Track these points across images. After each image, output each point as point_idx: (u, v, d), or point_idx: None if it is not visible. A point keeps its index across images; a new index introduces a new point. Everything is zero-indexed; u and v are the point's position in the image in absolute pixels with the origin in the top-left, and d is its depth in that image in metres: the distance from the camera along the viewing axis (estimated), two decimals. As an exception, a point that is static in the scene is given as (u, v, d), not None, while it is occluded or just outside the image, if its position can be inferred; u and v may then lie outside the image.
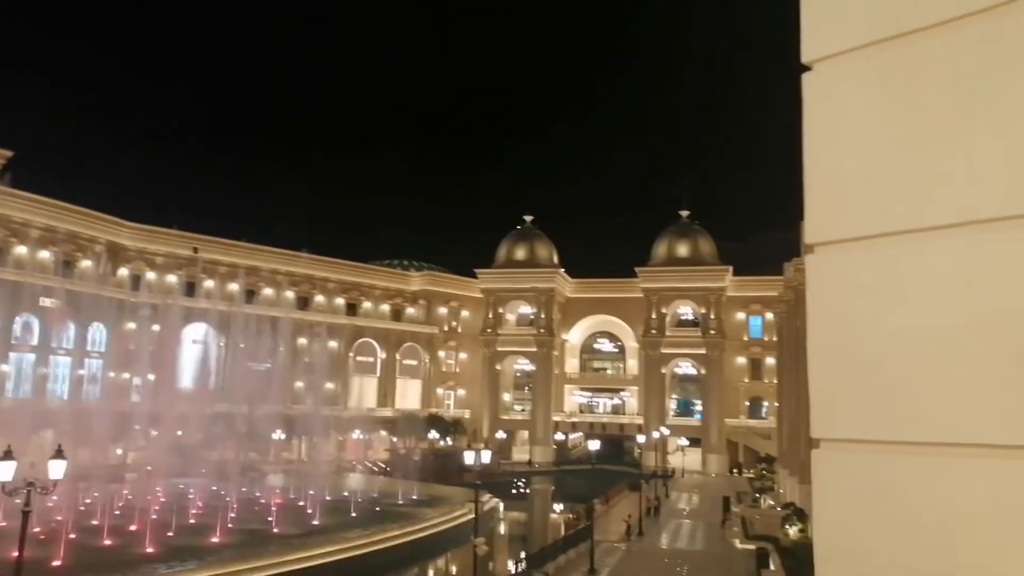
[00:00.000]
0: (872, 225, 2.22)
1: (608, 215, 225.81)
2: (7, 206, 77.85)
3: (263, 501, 56.41)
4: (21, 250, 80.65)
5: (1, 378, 72.37)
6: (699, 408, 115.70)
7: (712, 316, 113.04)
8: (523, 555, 46.88)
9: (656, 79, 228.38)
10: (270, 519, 49.22)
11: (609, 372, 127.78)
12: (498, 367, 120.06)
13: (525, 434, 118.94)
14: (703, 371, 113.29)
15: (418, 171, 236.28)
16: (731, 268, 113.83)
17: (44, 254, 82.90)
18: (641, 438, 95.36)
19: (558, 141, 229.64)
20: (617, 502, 71.13)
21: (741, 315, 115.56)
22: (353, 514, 54.33)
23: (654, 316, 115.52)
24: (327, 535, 46.35)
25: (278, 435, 75.48)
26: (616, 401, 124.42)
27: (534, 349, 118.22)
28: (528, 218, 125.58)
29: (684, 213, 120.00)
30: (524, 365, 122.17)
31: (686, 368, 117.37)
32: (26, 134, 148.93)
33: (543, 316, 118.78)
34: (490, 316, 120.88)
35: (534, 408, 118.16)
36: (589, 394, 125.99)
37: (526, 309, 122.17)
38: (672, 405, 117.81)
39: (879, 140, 2.24)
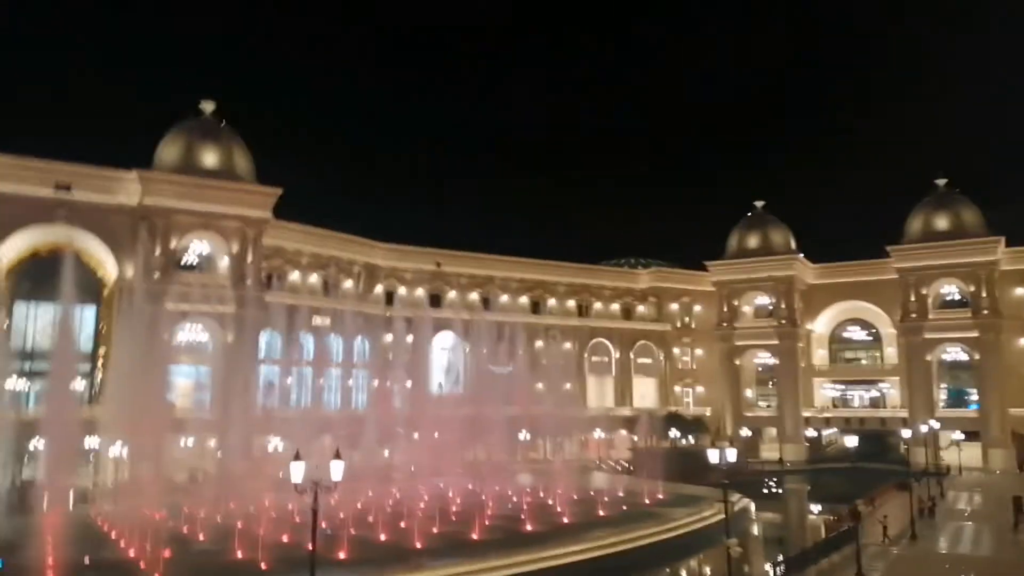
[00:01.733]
0: None
1: (849, 193, 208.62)
2: (281, 237, 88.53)
3: (514, 499, 58.82)
4: (294, 276, 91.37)
5: (286, 391, 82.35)
6: (974, 398, 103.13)
7: (984, 294, 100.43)
8: (781, 558, 44.46)
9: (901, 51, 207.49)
10: (522, 516, 51.18)
11: (864, 362, 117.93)
12: (737, 362, 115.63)
13: (772, 431, 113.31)
14: (977, 356, 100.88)
15: (637, 167, 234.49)
16: (1003, 239, 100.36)
17: (313, 278, 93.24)
18: (906, 432, 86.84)
19: (796, 125, 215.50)
20: (883, 503, 65.28)
21: (1020, 291, 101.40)
22: (601, 512, 54.94)
23: (913, 298, 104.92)
24: (577, 534, 47.30)
25: (523, 435, 78.36)
26: (874, 393, 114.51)
27: (775, 341, 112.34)
28: (759, 204, 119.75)
29: (941, 182, 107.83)
30: (765, 359, 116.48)
31: (955, 354, 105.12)
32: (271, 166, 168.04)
33: (783, 306, 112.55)
34: (725, 309, 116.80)
35: (780, 403, 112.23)
36: (842, 387, 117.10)
37: (764, 300, 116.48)
38: (941, 395, 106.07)
39: None
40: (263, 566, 36.61)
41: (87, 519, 52.36)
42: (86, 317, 75.74)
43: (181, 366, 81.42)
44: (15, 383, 70.24)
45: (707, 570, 48.27)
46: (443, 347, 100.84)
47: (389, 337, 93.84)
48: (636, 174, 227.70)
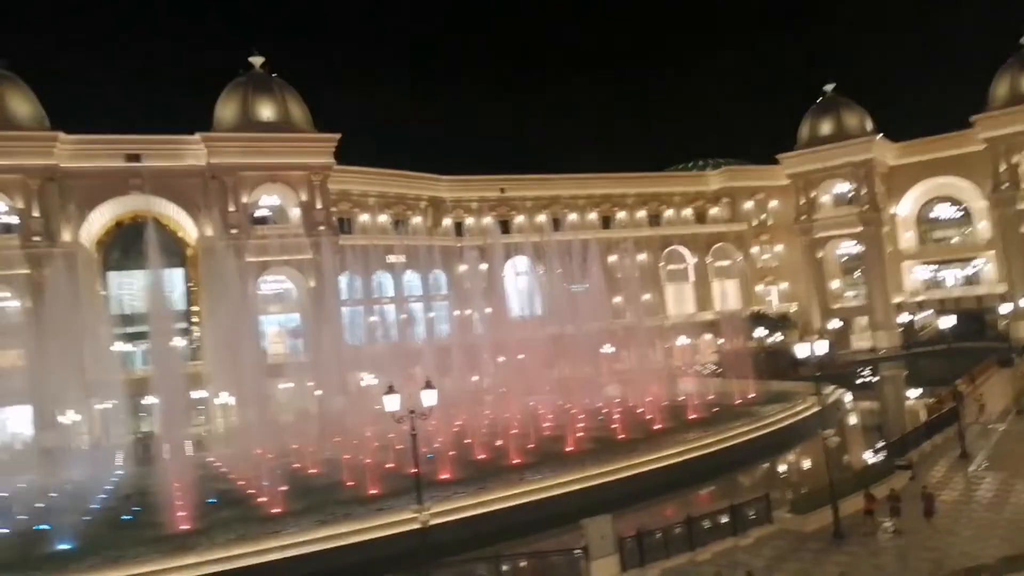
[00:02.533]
0: None
1: (921, 64, 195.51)
2: (346, 182, 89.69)
3: (604, 411, 59.70)
4: (364, 218, 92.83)
5: (372, 328, 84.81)
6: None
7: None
8: (880, 444, 44.02)
9: None
10: (614, 427, 51.95)
11: (955, 241, 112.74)
12: (819, 254, 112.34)
13: (863, 320, 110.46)
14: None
15: (695, 65, 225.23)
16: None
17: (382, 218, 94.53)
18: (1005, 308, 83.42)
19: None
20: (985, 380, 63.48)
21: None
22: (692, 416, 55.27)
23: (1004, 168, 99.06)
24: (671, 437, 47.84)
25: (607, 349, 78.85)
26: (968, 271, 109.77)
27: (859, 229, 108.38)
28: (829, 87, 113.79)
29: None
30: (849, 248, 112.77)
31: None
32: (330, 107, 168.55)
33: (864, 191, 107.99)
34: (802, 202, 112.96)
35: (869, 291, 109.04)
36: (934, 268, 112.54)
37: (843, 187, 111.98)
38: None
39: None
40: (373, 491, 38.54)
41: (205, 463, 55.94)
42: (175, 278, 79.07)
43: (272, 316, 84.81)
44: (121, 346, 74.71)
45: (805, 463, 48.20)
46: (517, 271, 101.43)
47: (463, 267, 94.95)
48: (695, 72, 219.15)
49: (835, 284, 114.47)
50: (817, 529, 29.22)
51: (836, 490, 29.38)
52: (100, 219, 77.15)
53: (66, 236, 72.65)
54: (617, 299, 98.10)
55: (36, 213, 71.47)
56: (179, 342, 73.81)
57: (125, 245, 76.52)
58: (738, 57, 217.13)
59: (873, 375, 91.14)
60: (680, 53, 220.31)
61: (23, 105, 73.88)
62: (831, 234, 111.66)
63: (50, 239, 71.55)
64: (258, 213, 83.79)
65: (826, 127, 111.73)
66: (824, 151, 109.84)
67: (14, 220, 72.63)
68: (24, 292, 69.28)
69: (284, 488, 39.49)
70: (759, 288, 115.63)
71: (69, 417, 59.48)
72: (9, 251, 70.10)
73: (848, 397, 67.73)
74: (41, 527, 36.25)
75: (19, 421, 70.15)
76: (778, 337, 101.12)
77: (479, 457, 46.42)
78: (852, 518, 29.32)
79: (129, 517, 38.72)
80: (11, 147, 70.89)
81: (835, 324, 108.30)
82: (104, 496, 46.38)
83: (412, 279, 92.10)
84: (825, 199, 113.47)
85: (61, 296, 66.78)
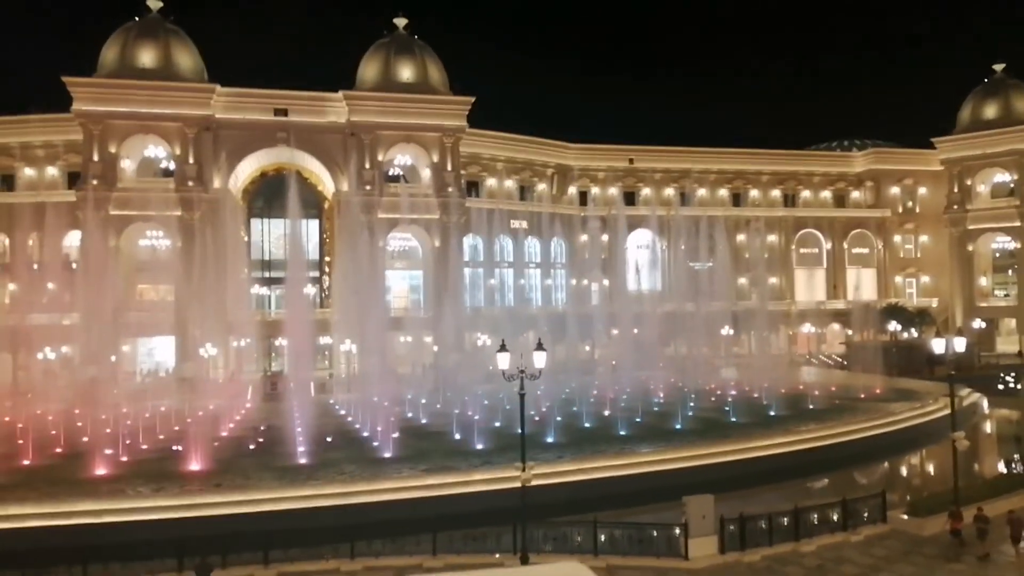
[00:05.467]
0: None
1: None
2: (477, 145, 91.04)
3: (718, 392, 58.35)
4: (491, 182, 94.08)
5: (491, 290, 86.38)
6: None
7: None
8: (1019, 456, 40.88)
9: None
10: (727, 409, 50.80)
11: None
12: (970, 247, 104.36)
13: (1011, 323, 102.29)
14: None
15: (845, 38, 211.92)
16: None
17: (509, 183, 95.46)
18: None
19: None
20: None
21: None
22: (811, 406, 53.20)
23: None
24: (785, 426, 46.26)
25: (726, 331, 76.90)
26: None
27: (1017, 223, 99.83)
28: (998, 67, 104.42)
29: None
30: (1005, 243, 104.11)
31: None
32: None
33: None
34: (955, 190, 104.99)
35: (1021, 292, 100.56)
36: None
37: (1003, 177, 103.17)
38: None
39: None
40: (478, 446, 39.63)
41: (326, 405, 59.14)
42: (311, 229, 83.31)
43: (396, 271, 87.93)
44: (259, 290, 79.70)
45: (928, 467, 45.49)
46: (639, 244, 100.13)
47: (584, 237, 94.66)
48: (845, 46, 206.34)
49: (983, 281, 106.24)
50: (935, 534, 27.63)
51: (961, 496, 27.62)
52: (247, 168, 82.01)
53: (216, 183, 77.81)
54: (742, 280, 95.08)
55: (191, 160, 76.84)
56: (311, 289, 77.97)
57: (268, 194, 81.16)
58: (894, 36, 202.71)
59: (1016, 382, 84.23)
60: (833, 28, 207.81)
61: (186, 58, 79.18)
62: (985, 227, 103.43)
63: (202, 185, 76.84)
64: (391, 171, 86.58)
65: (991, 111, 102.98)
66: (986, 136, 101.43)
67: (171, 166, 78.45)
68: (176, 233, 74.92)
69: (396, 435, 41.22)
70: (898, 279, 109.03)
71: (208, 351, 64.23)
72: (165, 194, 75.84)
73: (985, 403, 63.10)
74: (176, 448, 39.63)
75: (164, 351, 76.55)
76: (913, 333, 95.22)
77: (585, 425, 46.66)
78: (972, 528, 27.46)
79: (253, 447, 41.64)
80: (174, 97, 76.38)
81: (979, 324, 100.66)
82: (233, 425, 50.02)
83: (533, 245, 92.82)
84: (982, 189, 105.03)
85: (208, 239, 71.91)
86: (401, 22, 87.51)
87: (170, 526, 27.67)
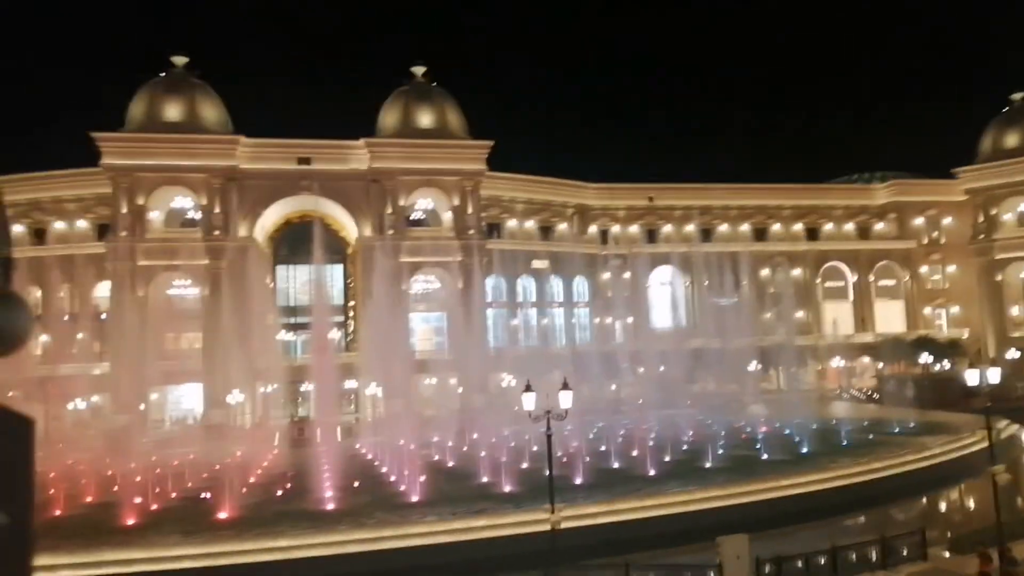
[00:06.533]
0: None
1: None
2: (496, 188, 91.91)
3: (748, 429, 57.45)
4: (511, 223, 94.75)
5: (514, 331, 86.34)
6: None
7: None
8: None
9: None
10: (757, 446, 49.96)
11: None
12: (999, 277, 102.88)
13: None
14: None
15: (862, 70, 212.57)
16: None
17: (529, 223, 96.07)
18: None
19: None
20: None
21: None
22: (844, 442, 52.18)
23: None
24: (817, 462, 45.36)
25: (754, 366, 76.02)
26: None
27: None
28: (1016, 96, 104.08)
29: None
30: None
31: None
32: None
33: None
34: (981, 220, 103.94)
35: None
36: None
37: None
38: None
39: None
40: (506, 488, 39.22)
41: (353, 449, 58.99)
42: (336, 274, 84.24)
43: (420, 313, 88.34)
44: (285, 335, 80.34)
45: (968, 502, 44.27)
46: (662, 282, 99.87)
47: (607, 275, 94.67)
48: (862, 79, 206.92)
49: (1015, 311, 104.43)
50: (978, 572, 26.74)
51: (1005, 532, 26.80)
52: (272, 216, 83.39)
53: (242, 231, 79.11)
54: (767, 315, 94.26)
55: (217, 209, 78.28)
56: (336, 334, 78.47)
57: (293, 241, 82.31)
58: (909, 65, 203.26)
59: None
60: (848, 59, 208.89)
61: (210, 111, 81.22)
62: (1013, 256, 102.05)
63: (228, 234, 78.14)
64: (413, 216, 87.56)
65: (1012, 139, 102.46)
66: (1009, 165, 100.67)
67: (198, 216, 79.94)
68: (203, 281, 75.98)
69: (423, 479, 40.96)
70: (927, 311, 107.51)
71: (235, 397, 64.54)
72: (192, 243, 77.16)
73: (1025, 435, 61.57)
74: (205, 495, 39.66)
75: (191, 398, 77.10)
76: (946, 364, 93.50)
77: (614, 465, 46.06)
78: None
79: (281, 492, 41.55)
80: (199, 149, 78.19)
81: (1013, 354, 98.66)
82: (260, 471, 50.01)
83: (555, 284, 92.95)
84: (1008, 217, 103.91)
85: (235, 286, 72.84)
86: (419, 70, 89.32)
87: (199, 574, 27.60)
